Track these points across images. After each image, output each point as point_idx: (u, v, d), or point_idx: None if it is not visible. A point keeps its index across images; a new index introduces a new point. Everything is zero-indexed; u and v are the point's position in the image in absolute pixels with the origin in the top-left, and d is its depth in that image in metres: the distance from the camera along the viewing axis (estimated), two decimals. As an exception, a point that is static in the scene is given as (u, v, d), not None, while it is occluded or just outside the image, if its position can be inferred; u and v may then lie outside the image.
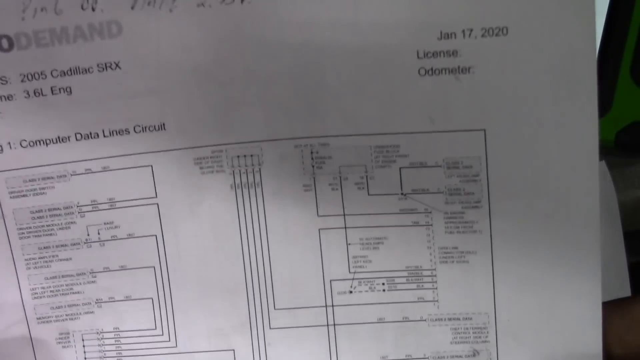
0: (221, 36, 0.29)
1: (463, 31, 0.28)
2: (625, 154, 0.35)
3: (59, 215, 0.32)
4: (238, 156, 0.31)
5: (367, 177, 0.31)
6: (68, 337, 0.33)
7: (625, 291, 0.32)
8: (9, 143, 0.31)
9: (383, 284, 0.31)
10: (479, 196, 0.30)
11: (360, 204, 0.31)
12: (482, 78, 0.29)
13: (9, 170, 0.31)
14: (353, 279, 0.31)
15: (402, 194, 0.31)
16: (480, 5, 0.28)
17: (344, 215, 0.31)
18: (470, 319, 0.31)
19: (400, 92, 0.29)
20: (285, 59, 0.29)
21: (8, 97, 0.30)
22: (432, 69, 0.29)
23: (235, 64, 0.30)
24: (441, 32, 0.29)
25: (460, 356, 0.31)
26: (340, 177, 0.31)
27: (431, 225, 0.31)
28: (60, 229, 0.32)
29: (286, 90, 0.30)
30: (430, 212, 0.30)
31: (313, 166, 0.31)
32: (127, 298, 0.32)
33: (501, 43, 0.28)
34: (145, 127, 0.31)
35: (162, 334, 0.32)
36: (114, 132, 0.31)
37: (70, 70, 0.30)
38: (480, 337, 0.31)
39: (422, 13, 0.28)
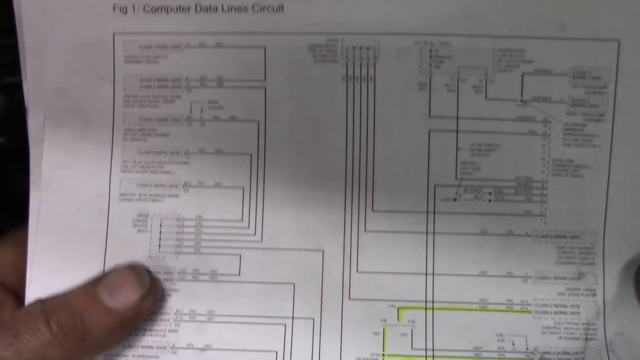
0: None
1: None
2: None
3: (167, 87, 0.31)
4: (354, 47, 0.30)
5: (486, 80, 0.30)
6: (146, 221, 0.31)
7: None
8: (134, 5, 0.30)
9: (490, 193, 0.30)
10: (604, 109, 0.30)
11: (476, 108, 0.30)
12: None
13: (129, 33, 0.30)
14: (459, 185, 0.30)
15: (521, 100, 0.30)
16: None
17: (457, 118, 0.30)
18: (578, 237, 0.30)
19: (533, -7, 0.29)
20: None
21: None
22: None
23: None
24: None
25: (564, 277, 0.30)
26: (458, 78, 0.30)
27: (549, 135, 0.30)
28: (165, 101, 0.31)
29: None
30: (550, 122, 0.30)
31: (430, 64, 0.30)
32: (217, 185, 0.31)
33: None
34: (264, 7, 0.30)
35: (249, 227, 0.31)
36: (233, 8, 0.30)
37: None
38: (586, 258, 0.30)
39: None
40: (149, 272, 0.30)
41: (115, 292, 0.29)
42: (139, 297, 0.29)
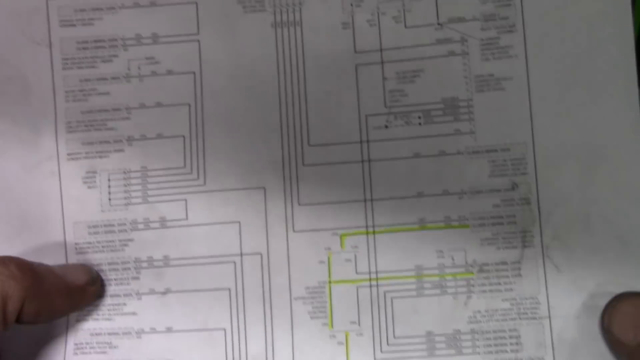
0: None
1: None
2: None
3: (103, 47, 0.32)
4: None
5: (404, 10, 0.31)
6: (94, 177, 0.32)
7: None
8: None
9: (419, 117, 0.31)
10: (514, 20, 0.31)
11: (397, 38, 0.31)
12: None
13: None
14: (389, 113, 0.31)
15: (438, 24, 0.31)
16: None
17: (381, 50, 0.31)
18: (509, 149, 0.31)
19: None
20: None
21: None
22: None
23: None
24: None
25: (499, 190, 0.31)
26: (378, 13, 0.31)
27: (467, 54, 0.31)
28: (102, 61, 0.32)
29: None
30: (467, 40, 0.31)
31: (352, 4, 0.32)
32: (159, 136, 0.32)
33: None
34: (191, -36, 0.32)
35: (192, 172, 0.32)
36: (162, -31, 0.32)
37: None
38: (518, 169, 0.30)
39: None
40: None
41: (67, 272, 0.31)
42: (87, 279, 0.31)
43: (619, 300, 0.28)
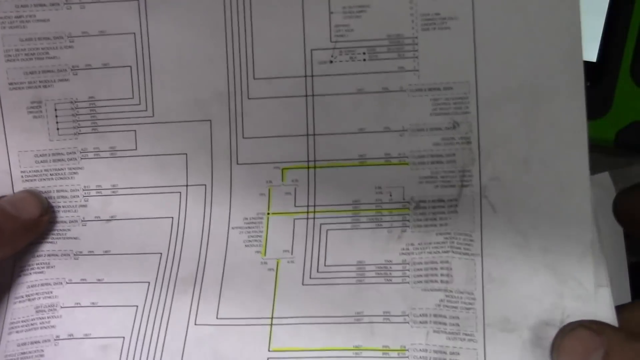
0: None
1: None
2: (625, 154, 0.35)
3: None
4: None
5: None
6: (40, 107, 0.33)
7: (625, 291, 0.32)
8: None
9: (364, 53, 0.31)
10: None
11: (344, -30, 0.31)
12: None
13: None
14: (334, 48, 0.31)
15: (386, -42, 0.31)
16: None
17: (328, -18, 0.31)
18: (451, 88, 0.31)
19: None
20: None
21: None
22: None
23: None
24: None
25: (440, 128, 0.31)
26: None
27: (414, -11, 0.30)
28: None
29: None
30: (414, -23, 0.30)
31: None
32: (105, 66, 0.32)
33: None
34: None
35: (140, 103, 0.32)
36: None
37: None
38: (460, 107, 0.30)
39: None
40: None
41: (18, 206, 0.31)
42: (41, 211, 0.32)
43: (564, 335, 0.28)
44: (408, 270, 0.30)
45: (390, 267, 0.30)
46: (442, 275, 0.30)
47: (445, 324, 0.29)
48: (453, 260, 0.30)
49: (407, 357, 0.29)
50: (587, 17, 0.30)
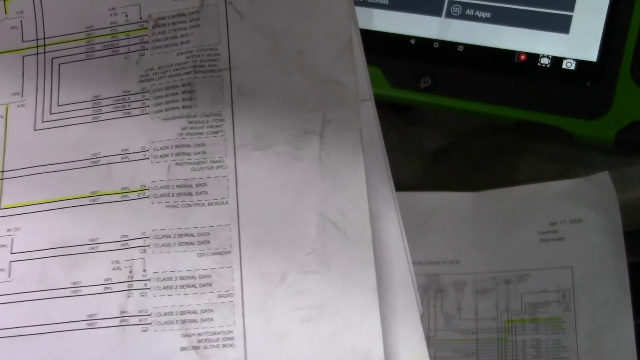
0: None
1: None
2: (625, 154, 0.35)
3: None
4: None
5: None
6: None
7: (625, 291, 0.32)
8: None
9: None
10: None
11: None
12: None
13: None
14: None
15: None
16: None
17: None
18: None
19: None
20: None
21: None
22: None
23: None
24: None
25: None
26: None
27: None
28: None
29: None
30: None
31: None
32: None
33: None
34: None
35: None
36: None
37: None
38: None
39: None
40: None
41: None
42: None
43: None
44: (147, 99, 0.26)
45: (129, 99, 0.26)
46: (184, 100, 0.25)
47: (189, 154, 0.25)
48: (196, 81, 0.25)
49: (147, 196, 0.25)
50: (587, 17, 0.31)
